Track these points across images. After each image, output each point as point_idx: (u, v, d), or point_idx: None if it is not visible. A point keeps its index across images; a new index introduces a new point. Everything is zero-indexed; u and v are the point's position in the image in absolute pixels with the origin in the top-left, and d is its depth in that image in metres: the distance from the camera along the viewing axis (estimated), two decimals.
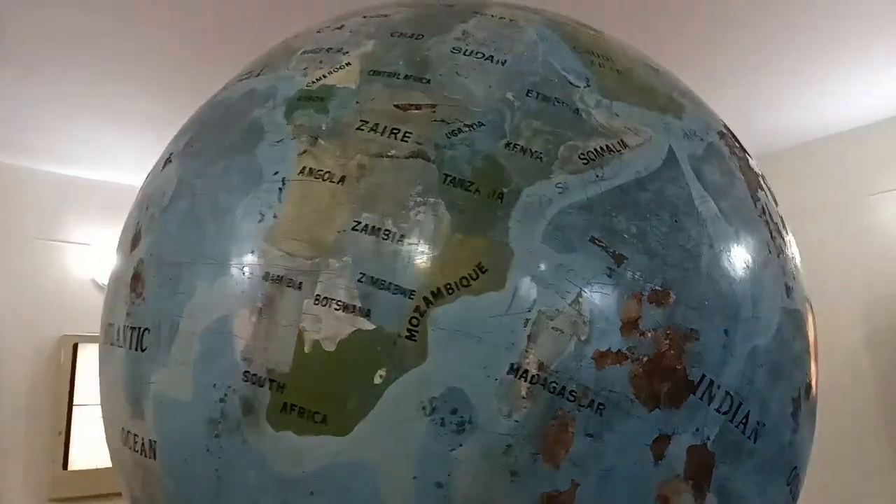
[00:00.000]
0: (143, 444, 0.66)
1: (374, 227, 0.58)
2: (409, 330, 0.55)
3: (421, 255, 0.57)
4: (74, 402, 3.22)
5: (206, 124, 0.74)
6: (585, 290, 0.57)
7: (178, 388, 0.62)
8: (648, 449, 0.58)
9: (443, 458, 0.55)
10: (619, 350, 0.57)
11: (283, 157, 0.63)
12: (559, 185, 0.60)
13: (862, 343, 2.69)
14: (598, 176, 0.61)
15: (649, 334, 0.58)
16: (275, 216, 0.61)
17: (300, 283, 0.58)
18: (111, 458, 0.77)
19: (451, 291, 0.56)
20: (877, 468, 2.53)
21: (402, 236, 0.57)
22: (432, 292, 0.56)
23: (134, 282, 0.69)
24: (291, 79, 0.70)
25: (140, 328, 0.67)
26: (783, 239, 0.74)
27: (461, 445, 0.55)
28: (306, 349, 0.57)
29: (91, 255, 3.40)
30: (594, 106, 0.66)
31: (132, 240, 0.73)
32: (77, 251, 3.40)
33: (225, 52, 2.09)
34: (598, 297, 0.57)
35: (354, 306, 0.56)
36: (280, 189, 0.62)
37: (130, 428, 0.68)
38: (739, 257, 0.65)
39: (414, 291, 0.56)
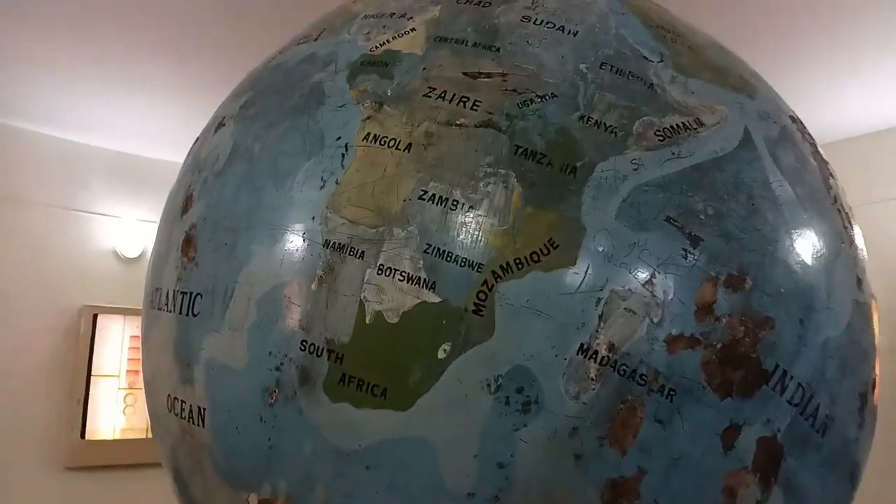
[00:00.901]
0: (191, 410, 0.65)
1: (441, 197, 0.56)
2: (475, 304, 0.54)
3: (490, 227, 0.55)
4: (93, 373, 3.24)
5: (264, 88, 0.72)
6: (660, 270, 0.55)
7: (231, 355, 0.61)
8: (718, 438, 0.55)
9: (506, 438, 0.53)
10: (692, 335, 0.55)
11: (345, 123, 0.61)
12: (634, 162, 0.58)
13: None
14: (674, 154, 0.59)
15: (724, 320, 0.56)
16: (337, 182, 0.59)
17: (363, 251, 0.56)
18: (153, 425, 0.76)
19: (520, 266, 0.54)
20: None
21: (471, 207, 0.55)
22: (501, 266, 0.54)
23: (186, 246, 0.68)
24: (353, 43, 0.68)
25: (192, 293, 0.65)
26: (853, 229, 0.72)
27: (525, 426, 0.53)
28: (368, 320, 0.55)
29: (113, 226, 3.41)
30: (669, 82, 0.64)
31: (183, 203, 0.72)
32: (99, 222, 3.41)
33: (257, 17, 2.06)
34: (673, 279, 0.55)
35: (419, 278, 0.55)
36: (343, 155, 0.60)
37: (178, 394, 0.67)
38: (815, 245, 0.63)
39: (482, 265, 0.54)
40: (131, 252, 3.45)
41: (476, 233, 0.55)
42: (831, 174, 0.73)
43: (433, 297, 0.54)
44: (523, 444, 0.53)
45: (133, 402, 3.31)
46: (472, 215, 0.55)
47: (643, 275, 0.55)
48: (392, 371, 0.55)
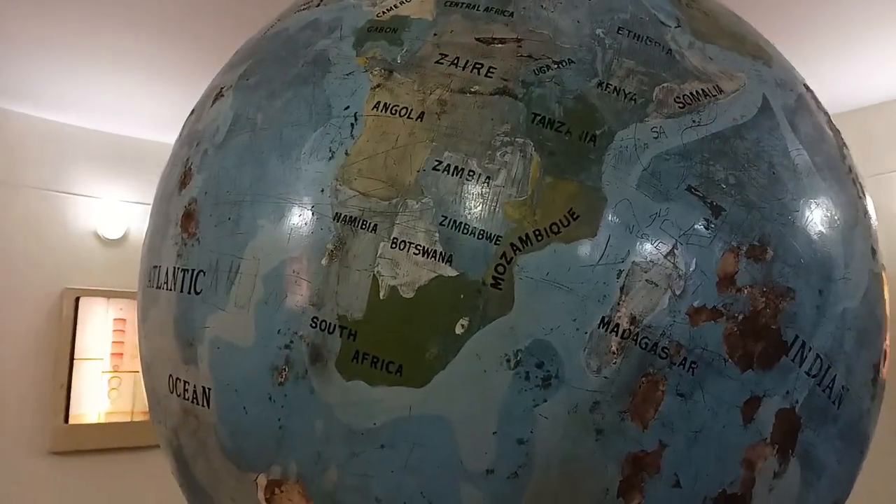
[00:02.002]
0: (194, 390, 0.63)
1: (456, 167, 0.54)
2: (494, 278, 0.52)
3: (508, 198, 0.53)
4: (76, 356, 3.19)
5: (264, 56, 0.69)
6: (681, 241, 0.54)
7: (237, 333, 0.59)
8: (739, 411, 0.55)
9: (526, 414, 0.52)
10: (714, 307, 0.54)
11: (353, 91, 0.59)
12: (655, 130, 0.56)
13: None
14: (694, 121, 0.57)
15: (746, 291, 0.55)
16: (346, 153, 0.57)
17: (375, 224, 0.54)
18: (151, 407, 0.74)
19: (540, 238, 0.52)
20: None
21: (488, 178, 0.53)
22: (520, 238, 0.52)
23: (185, 221, 0.65)
24: (358, 8, 0.65)
25: (193, 270, 0.63)
26: (866, 199, 0.71)
27: (546, 401, 0.52)
28: (382, 295, 0.53)
29: (94, 208, 3.34)
30: (687, 47, 0.62)
31: (180, 178, 0.69)
32: (80, 203, 3.34)
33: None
34: (695, 250, 0.54)
35: (435, 251, 0.53)
36: (352, 125, 0.58)
37: (180, 374, 0.64)
38: (833, 215, 0.62)
39: (500, 237, 0.52)
40: (113, 233, 3.39)
41: (493, 204, 0.53)
42: (844, 144, 0.72)
43: (450, 271, 0.52)
44: (543, 420, 0.52)
45: (118, 385, 3.28)
46: (489, 186, 0.53)
47: (665, 246, 0.53)
48: (408, 347, 0.53)
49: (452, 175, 0.54)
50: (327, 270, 0.55)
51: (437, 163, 0.54)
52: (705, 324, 0.53)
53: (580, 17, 0.61)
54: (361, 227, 0.55)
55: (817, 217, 0.60)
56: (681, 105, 0.58)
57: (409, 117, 0.56)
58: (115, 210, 3.39)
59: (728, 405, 0.54)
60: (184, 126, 0.78)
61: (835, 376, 0.60)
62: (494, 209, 0.53)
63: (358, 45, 0.62)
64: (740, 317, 0.54)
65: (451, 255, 0.52)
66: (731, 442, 0.55)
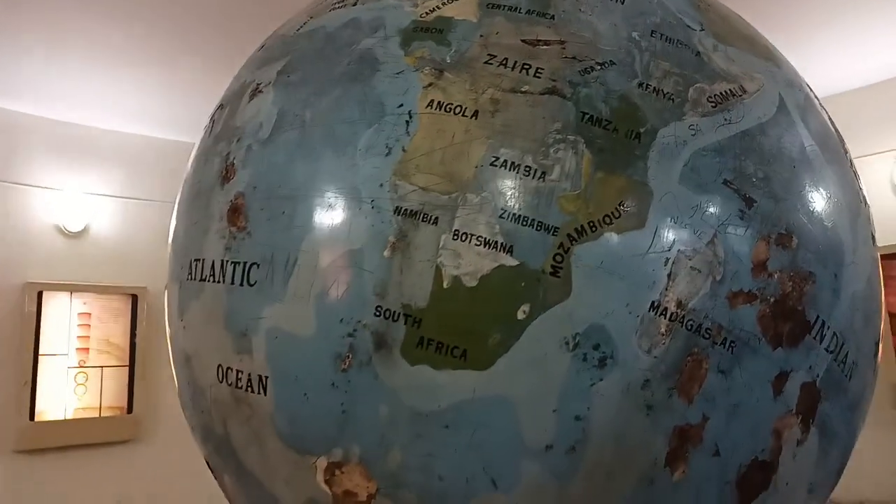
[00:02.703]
0: (248, 379, 0.65)
1: (513, 163, 0.57)
2: (552, 266, 0.56)
3: (563, 192, 0.57)
4: (40, 352, 3.11)
5: (303, 53, 0.71)
6: (720, 231, 0.58)
7: (296, 323, 0.61)
8: (770, 385, 0.60)
9: (583, 392, 0.56)
10: (749, 290, 0.59)
11: (405, 90, 0.61)
12: (692, 127, 0.60)
13: None
14: (726, 119, 0.62)
15: (776, 276, 0.60)
16: (403, 150, 0.59)
17: (436, 217, 0.57)
18: (190, 398, 0.76)
19: (594, 229, 0.56)
20: None
21: (544, 173, 0.57)
22: (576, 229, 0.56)
23: (233, 215, 0.67)
24: (399, 9, 0.68)
25: (245, 262, 0.65)
26: (863, 188, 0.77)
27: (601, 380, 0.56)
28: (445, 284, 0.56)
29: (54, 200, 3.24)
30: (712, 50, 0.66)
31: (221, 173, 0.70)
32: (40, 195, 3.23)
33: None
34: (732, 239, 0.59)
35: (496, 242, 0.56)
36: (407, 122, 0.60)
37: (231, 364, 0.66)
38: (843, 204, 0.68)
39: (558, 228, 0.56)
40: (75, 226, 3.29)
41: (550, 197, 0.56)
42: (842, 138, 0.78)
43: (511, 261, 0.56)
44: (599, 398, 0.56)
45: (84, 380, 3.21)
46: (544, 181, 0.57)
47: (706, 235, 0.58)
48: (471, 333, 0.56)
49: (509, 170, 0.57)
50: (390, 261, 0.58)
51: (493, 159, 0.57)
52: (742, 306, 0.58)
53: (616, 20, 0.65)
54: (423, 220, 0.57)
55: (830, 207, 0.66)
56: (713, 104, 0.62)
57: (463, 115, 0.59)
58: (77, 202, 3.30)
59: (761, 380, 0.59)
60: (213, 121, 0.78)
61: (847, 352, 0.65)
62: (551, 202, 0.56)
63: (405, 44, 0.64)
64: (772, 299, 0.59)
65: (511, 246, 0.56)
66: (763, 414, 0.60)
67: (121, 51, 2.52)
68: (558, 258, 0.56)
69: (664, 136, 0.59)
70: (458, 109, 0.59)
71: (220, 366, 0.68)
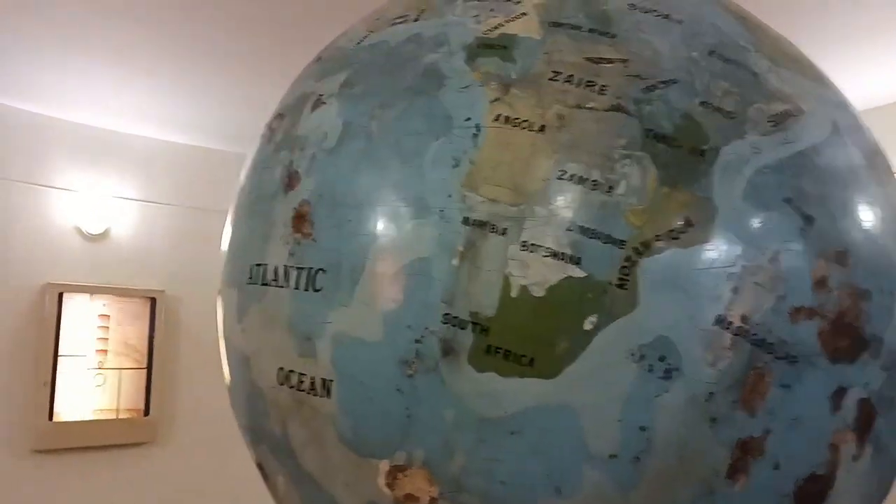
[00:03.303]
0: (312, 382, 0.66)
1: (580, 176, 0.59)
2: (619, 279, 0.57)
3: (630, 206, 0.58)
4: (60, 353, 3.13)
5: (365, 66, 0.73)
6: (782, 248, 0.59)
7: (363, 329, 0.62)
8: (828, 400, 0.61)
9: (648, 403, 0.57)
10: (810, 307, 0.60)
11: (472, 104, 0.63)
12: (753, 146, 0.62)
13: None
14: (784, 139, 0.63)
15: (835, 293, 0.61)
16: (471, 162, 0.61)
17: (504, 228, 0.59)
18: (246, 397, 0.77)
19: (660, 243, 0.57)
20: None
21: (611, 187, 0.58)
22: (642, 243, 0.57)
23: (298, 222, 0.69)
24: (463, 25, 0.70)
25: (311, 268, 0.66)
26: None
27: (667, 391, 0.57)
28: (513, 294, 0.58)
29: (75, 202, 3.28)
30: (767, 71, 0.68)
31: (284, 181, 0.72)
32: (60, 197, 3.27)
33: None
34: (793, 256, 0.60)
35: (564, 254, 0.57)
36: (474, 135, 0.62)
37: (295, 367, 0.68)
38: (891, 224, 0.69)
39: (624, 242, 0.57)
40: (95, 229, 3.33)
41: (616, 211, 0.58)
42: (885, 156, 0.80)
43: (578, 272, 0.57)
44: (664, 409, 0.57)
45: (103, 382, 3.23)
46: (611, 195, 0.58)
47: (769, 251, 0.59)
48: (539, 342, 0.57)
49: (577, 184, 0.59)
50: (458, 270, 0.59)
51: (561, 172, 0.59)
52: (803, 322, 0.59)
53: (674, 40, 0.66)
54: (491, 231, 0.59)
55: (882, 226, 0.67)
56: (772, 124, 0.64)
57: (530, 130, 0.61)
58: (97, 205, 3.33)
59: (820, 395, 0.60)
60: (271, 130, 0.80)
61: None
62: (617, 216, 0.58)
63: (470, 60, 0.66)
64: (831, 316, 0.60)
65: (579, 258, 0.57)
66: (822, 428, 0.61)
67: (142, 55, 2.56)
68: (625, 270, 0.57)
69: (727, 154, 0.60)
70: (524, 124, 0.61)
71: (281, 368, 0.69)
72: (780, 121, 0.64)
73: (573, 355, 0.57)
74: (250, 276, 0.74)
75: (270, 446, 0.75)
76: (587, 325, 0.57)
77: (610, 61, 0.64)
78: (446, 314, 0.59)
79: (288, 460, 0.72)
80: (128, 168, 3.45)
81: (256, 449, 0.80)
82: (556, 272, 0.57)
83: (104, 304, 3.29)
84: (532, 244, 0.58)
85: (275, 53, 2.46)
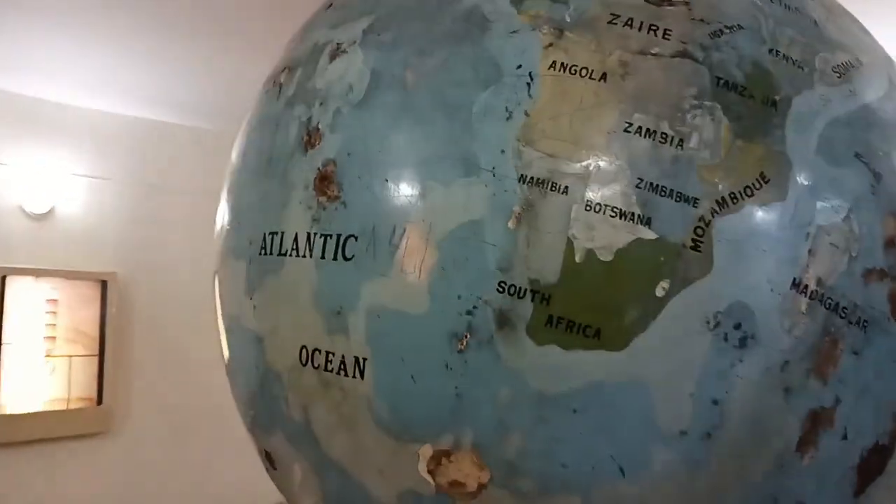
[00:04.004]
0: (342, 362, 0.60)
1: (648, 129, 0.54)
2: (693, 240, 0.52)
3: (703, 161, 0.53)
4: (4, 341, 2.94)
5: (393, 10, 0.65)
6: (855, 205, 0.56)
7: (405, 301, 0.56)
8: (894, 366, 0.58)
9: (722, 375, 0.53)
10: (881, 268, 0.56)
11: (524, 50, 0.57)
12: (822, 97, 0.58)
13: None
14: (850, 91, 0.60)
15: None
16: (526, 114, 0.55)
17: (566, 187, 0.53)
18: (258, 381, 0.70)
19: (735, 201, 0.53)
20: None
21: (681, 140, 0.54)
22: (717, 201, 0.53)
23: (322, 184, 0.61)
24: None
25: (340, 235, 0.60)
26: None
27: (741, 361, 0.53)
28: (577, 259, 0.52)
29: (16, 179, 3.06)
30: (825, 20, 0.64)
31: (302, 139, 0.65)
32: (0, 173, 3.05)
33: None
34: (865, 214, 0.56)
35: (633, 213, 0.52)
36: (528, 84, 0.56)
37: (320, 346, 0.61)
38: None
39: (698, 199, 0.53)
40: (39, 207, 3.13)
41: (688, 166, 0.53)
42: None
43: (649, 234, 0.52)
44: (738, 380, 0.53)
45: (52, 370, 3.06)
46: (682, 149, 0.53)
47: (843, 210, 0.55)
48: (606, 311, 0.52)
49: (645, 137, 0.54)
50: (515, 233, 0.53)
51: (627, 124, 0.54)
52: (874, 284, 0.56)
53: None
54: (551, 190, 0.53)
55: None
56: (838, 75, 0.60)
57: (590, 78, 0.55)
58: (42, 182, 3.13)
59: (888, 361, 0.57)
60: (279, 85, 0.72)
61: None
62: (690, 172, 0.53)
63: (516, 1, 0.60)
64: None
65: (649, 218, 0.52)
66: (887, 397, 0.58)
67: (92, 22, 2.38)
68: (699, 231, 0.52)
69: (799, 105, 0.56)
70: (584, 72, 0.55)
71: (304, 347, 0.63)
72: (843, 72, 0.60)
73: (643, 325, 0.52)
74: (263, 246, 0.67)
75: (288, 434, 0.68)
76: (659, 292, 0.52)
77: (671, 3, 0.58)
78: (502, 282, 0.53)
79: (309, 448, 0.66)
80: (75, 143, 3.24)
81: (267, 437, 0.73)
82: (624, 234, 0.52)
83: (52, 288, 3.11)
84: (598, 203, 0.53)
85: (238, 22, 2.33)
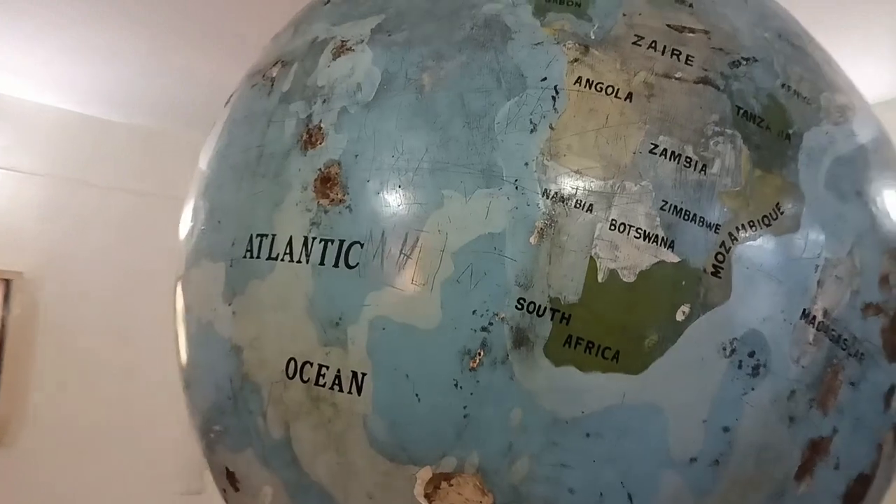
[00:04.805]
0: (336, 376, 0.56)
1: (674, 152, 0.53)
2: (714, 266, 0.52)
3: (724, 187, 0.53)
4: None
5: (406, 10, 0.63)
6: (857, 241, 0.58)
7: (415, 313, 0.53)
8: (883, 398, 0.60)
9: (734, 402, 0.53)
10: (877, 303, 0.58)
11: (548, 63, 0.56)
12: (828, 135, 0.59)
13: None
14: (850, 132, 0.62)
15: (894, 290, 0.60)
16: (550, 127, 0.54)
17: (591, 204, 0.52)
18: (229, 394, 0.64)
19: (754, 229, 0.53)
20: None
21: (705, 166, 0.53)
22: (737, 228, 0.53)
23: (324, 186, 0.58)
24: None
25: (343, 241, 0.56)
26: None
27: (753, 389, 0.53)
28: (600, 278, 0.51)
29: None
30: (823, 62, 0.66)
31: (301, 138, 0.61)
32: None
33: None
34: (865, 251, 0.58)
35: (657, 236, 0.52)
36: (553, 98, 0.55)
37: (312, 358, 0.57)
38: None
39: (720, 225, 0.53)
40: None
41: (711, 192, 0.53)
42: None
43: (672, 257, 0.52)
44: (749, 408, 0.53)
45: None
46: (705, 174, 0.53)
47: (847, 244, 0.57)
48: (627, 333, 0.51)
49: (670, 160, 0.53)
50: (537, 249, 0.52)
51: (653, 146, 0.53)
52: (871, 318, 0.58)
53: (747, 18, 0.63)
54: (576, 206, 0.52)
55: None
56: (839, 115, 0.62)
57: (616, 96, 0.55)
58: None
59: (878, 393, 0.59)
60: (271, 79, 0.68)
61: None
62: (712, 197, 0.53)
63: (538, 13, 0.59)
64: (892, 312, 0.59)
65: (672, 241, 0.52)
66: (875, 427, 0.60)
67: (22, 10, 2.22)
68: (720, 257, 0.52)
69: (809, 140, 0.58)
70: (609, 90, 0.55)
71: (292, 359, 0.58)
72: (842, 112, 0.63)
73: (662, 349, 0.51)
74: (249, 249, 0.62)
75: (261, 452, 0.63)
76: (679, 316, 0.51)
77: (692, 31, 0.59)
78: (521, 299, 0.51)
79: (286, 469, 0.61)
80: (24, 135, 2.99)
81: (232, 455, 0.67)
82: (648, 255, 0.51)
83: None
84: (622, 223, 0.52)
85: (182, 15, 2.22)
